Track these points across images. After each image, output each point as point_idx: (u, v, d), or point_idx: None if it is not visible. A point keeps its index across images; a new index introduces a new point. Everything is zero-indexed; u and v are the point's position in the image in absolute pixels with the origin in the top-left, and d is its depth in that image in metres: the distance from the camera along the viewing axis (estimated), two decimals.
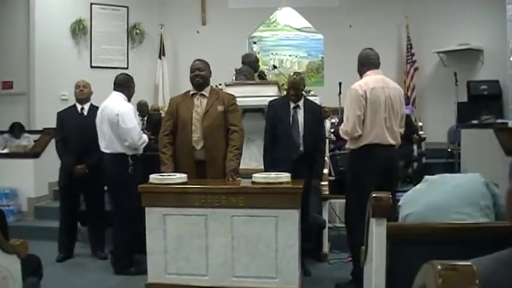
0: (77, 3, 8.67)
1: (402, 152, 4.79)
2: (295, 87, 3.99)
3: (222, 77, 5.36)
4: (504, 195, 1.19)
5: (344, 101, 3.71)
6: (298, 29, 10.00)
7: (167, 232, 3.40)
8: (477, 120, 6.39)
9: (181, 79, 9.06)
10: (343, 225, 4.01)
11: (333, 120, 7.16)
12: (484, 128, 5.96)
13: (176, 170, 3.70)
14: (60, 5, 8.43)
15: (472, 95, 7.71)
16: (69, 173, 4.54)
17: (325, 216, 4.48)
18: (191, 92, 3.86)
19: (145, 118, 7.08)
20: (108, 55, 8.95)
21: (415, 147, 6.61)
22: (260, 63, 6.50)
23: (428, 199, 2.34)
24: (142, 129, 5.16)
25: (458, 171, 6.49)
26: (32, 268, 2.66)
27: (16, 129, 7.08)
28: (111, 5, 9.00)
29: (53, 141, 5.05)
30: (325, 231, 4.45)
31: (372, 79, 3.54)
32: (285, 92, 4.40)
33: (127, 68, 8.81)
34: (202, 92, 3.82)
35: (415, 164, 6.58)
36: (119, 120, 4.02)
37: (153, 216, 3.42)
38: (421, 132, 7.28)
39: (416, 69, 8.89)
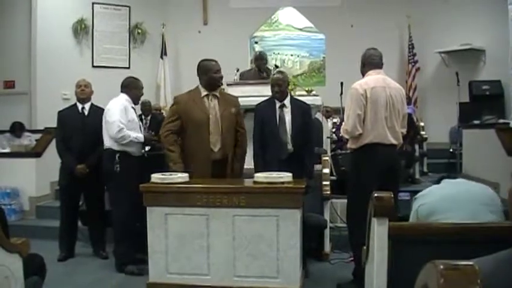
0: (79, 2, 8.67)
1: (403, 151, 4.79)
2: (279, 83, 3.98)
3: (224, 76, 5.33)
4: (507, 195, 1.19)
5: (345, 101, 3.71)
6: (300, 29, 10.00)
7: (169, 232, 3.40)
8: (479, 120, 6.40)
9: (183, 79, 9.08)
10: (345, 225, 4.01)
11: (335, 120, 7.16)
12: (486, 128, 5.96)
13: (186, 170, 3.68)
14: (62, 4, 8.43)
15: (473, 95, 7.71)
16: (70, 173, 4.54)
17: (327, 216, 4.47)
18: (203, 93, 3.85)
19: (149, 118, 7.06)
20: (110, 55, 8.95)
21: (416, 147, 6.60)
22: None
23: (443, 192, 2.44)
24: (145, 129, 5.18)
25: (460, 171, 6.50)
26: (35, 267, 2.66)
27: (17, 129, 7.09)
28: (113, 5, 9.00)
29: (54, 141, 5.05)
30: (327, 231, 4.44)
31: (373, 79, 3.54)
32: None
33: (128, 67, 8.82)
34: (215, 93, 3.86)
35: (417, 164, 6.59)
36: (105, 115, 4.19)
37: (154, 215, 3.43)
38: (422, 132, 7.28)
39: (418, 69, 8.88)
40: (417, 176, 6.49)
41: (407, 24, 8.87)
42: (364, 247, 2.42)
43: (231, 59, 6.32)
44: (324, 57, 9.82)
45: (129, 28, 9.17)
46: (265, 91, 4.37)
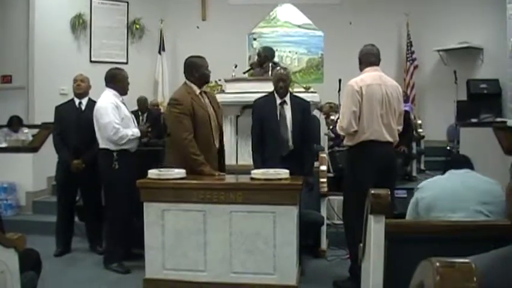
0: None
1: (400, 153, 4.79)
2: (283, 78, 4.00)
3: (222, 73, 5.35)
4: (505, 192, 1.19)
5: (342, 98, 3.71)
6: (298, 26, 9.99)
7: (165, 228, 3.40)
8: (476, 118, 6.39)
9: (181, 74, 8.91)
10: (341, 222, 4.01)
11: (332, 117, 7.15)
12: (483, 126, 5.95)
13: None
14: None
15: (471, 94, 7.70)
16: (66, 168, 4.52)
17: (324, 213, 4.47)
18: (198, 90, 3.83)
19: (145, 114, 7.06)
20: (108, 50, 8.92)
21: (414, 144, 6.61)
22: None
23: (446, 184, 2.43)
24: (139, 124, 5.14)
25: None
26: (31, 262, 2.66)
27: (14, 123, 7.07)
28: (111, 0, 8.97)
29: (51, 136, 5.04)
30: (323, 228, 4.44)
31: (369, 76, 3.53)
32: None
33: (126, 63, 8.79)
34: (205, 90, 3.91)
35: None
36: (97, 115, 4.08)
37: (151, 211, 3.42)
38: (420, 130, 7.28)
39: (416, 67, 8.88)
40: (414, 173, 6.50)
41: (405, 22, 8.85)
42: (361, 244, 2.43)
43: (229, 55, 6.32)
44: (322, 54, 9.81)
45: (127, 23, 9.15)
46: (264, 87, 4.37)
